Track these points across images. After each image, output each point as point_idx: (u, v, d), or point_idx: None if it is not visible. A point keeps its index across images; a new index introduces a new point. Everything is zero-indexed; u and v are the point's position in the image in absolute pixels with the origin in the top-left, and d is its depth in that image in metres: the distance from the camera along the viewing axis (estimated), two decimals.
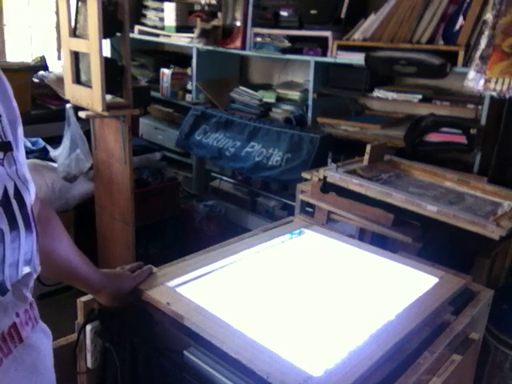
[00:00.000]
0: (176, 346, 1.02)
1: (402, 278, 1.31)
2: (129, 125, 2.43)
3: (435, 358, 1.00)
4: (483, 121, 2.21)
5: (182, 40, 3.33)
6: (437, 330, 1.09)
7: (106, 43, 2.68)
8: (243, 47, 3.03)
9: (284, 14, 2.84)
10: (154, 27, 3.55)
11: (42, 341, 0.80)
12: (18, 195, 0.73)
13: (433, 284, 1.24)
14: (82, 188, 2.83)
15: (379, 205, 1.79)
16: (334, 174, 1.91)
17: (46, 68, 3.45)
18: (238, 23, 3.03)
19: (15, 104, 0.81)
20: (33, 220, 0.76)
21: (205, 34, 3.14)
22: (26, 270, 0.76)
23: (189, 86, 3.43)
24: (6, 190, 0.71)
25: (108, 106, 2.32)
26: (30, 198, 0.77)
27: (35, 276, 0.79)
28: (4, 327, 0.71)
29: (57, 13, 3.85)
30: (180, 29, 3.35)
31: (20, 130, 0.81)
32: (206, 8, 3.31)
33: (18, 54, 3.93)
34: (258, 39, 2.95)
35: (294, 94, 2.95)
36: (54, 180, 2.70)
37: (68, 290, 2.80)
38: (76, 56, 2.46)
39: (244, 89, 3.12)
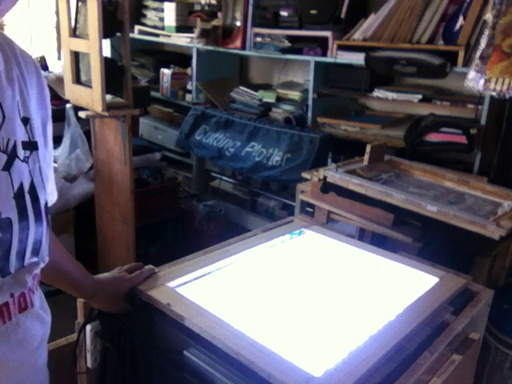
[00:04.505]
0: (176, 346, 1.02)
1: (402, 278, 1.31)
2: (129, 125, 2.43)
3: (435, 358, 1.00)
4: (483, 121, 2.21)
5: (181, 40, 3.33)
6: (437, 330, 1.09)
7: (106, 43, 2.68)
8: (243, 47, 3.03)
9: (284, 14, 2.84)
10: (154, 27, 3.55)
11: (32, 325, 0.83)
12: (33, 191, 0.77)
13: (433, 284, 1.24)
14: (81, 188, 2.83)
15: (379, 205, 1.79)
16: (333, 174, 1.91)
17: (46, 68, 3.46)
18: (238, 23, 3.03)
19: (50, 106, 0.86)
20: (45, 214, 0.80)
21: (205, 34, 3.14)
22: (34, 259, 0.79)
23: (189, 86, 3.43)
24: (21, 185, 0.75)
25: (108, 106, 2.33)
26: (46, 194, 0.82)
27: (42, 265, 0.83)
28: None
29: (57, 13, 3.85)
30: (180, 29, 3.35)
31: (49, 129, 0.86)
32: (206, 8, 3.31)
33: None
34: (258, 39, 2.95)
35: (294, 94, 2.95)
36: (54, 180, 2.70)
37: None
38: (76, 56, 2.46)
39: (244, 89, 3.12)
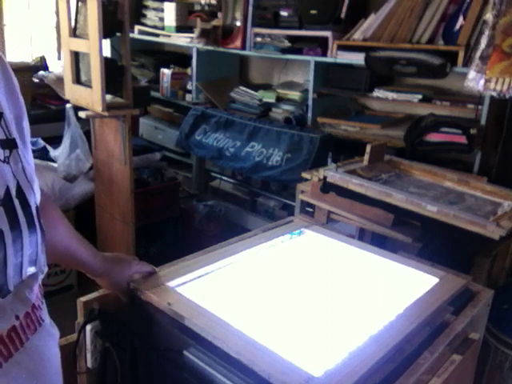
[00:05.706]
0: (176, 345, 1.02)
1: (402, 277, 1.31)
2: (129, 125, 2.43)
3: (435, 358, 1.00)
4: (483, 121, 2.21)
5: (181, 40, 3.33)
6: (437, 330, 1.09)
7: (106, 43, 2.68)
8: (243, 47, 3.03)
9: (284, 14, 2.84)
10: (154, 27, 3.55)
11: (46, 344, 0.78)
12: (21, 194, 0.70)
13: (433, 284, 1.24)
14: (81, 188, 2.83)
15: (379, 205, 1.79)
16: (333, 173, 1.91)
17: (46, 68, 3.46)
18: (238, 23, 3.03)
19: (22, 100, 0.78)
20: (38, 220, 0.74)
21: (205, 34, 3.14)
22: (32, 270, 0.73)
23: (189, 86, 3.43)
24: (8, 190, 0.68)
25: (108, 106, 2.33)
26: (35, 197, 0.75)
27: (41, 277, 0.77)
28: (3, 330, 0.68)
29: (57, 13, 3.85)
30: (180, 29, 3.35)
31: (26, 126, 0.78)
32: (206, 8, 3.31)
33: (18, 53, 3.93)
34: (258, 39, 2.95)
35: (294, 94, 2.95)
36: (54, 180, 2.70)
37: (68, 289, 2.80)
38: (76, 56, 2.46)
39: (244, 89, 3.12)
